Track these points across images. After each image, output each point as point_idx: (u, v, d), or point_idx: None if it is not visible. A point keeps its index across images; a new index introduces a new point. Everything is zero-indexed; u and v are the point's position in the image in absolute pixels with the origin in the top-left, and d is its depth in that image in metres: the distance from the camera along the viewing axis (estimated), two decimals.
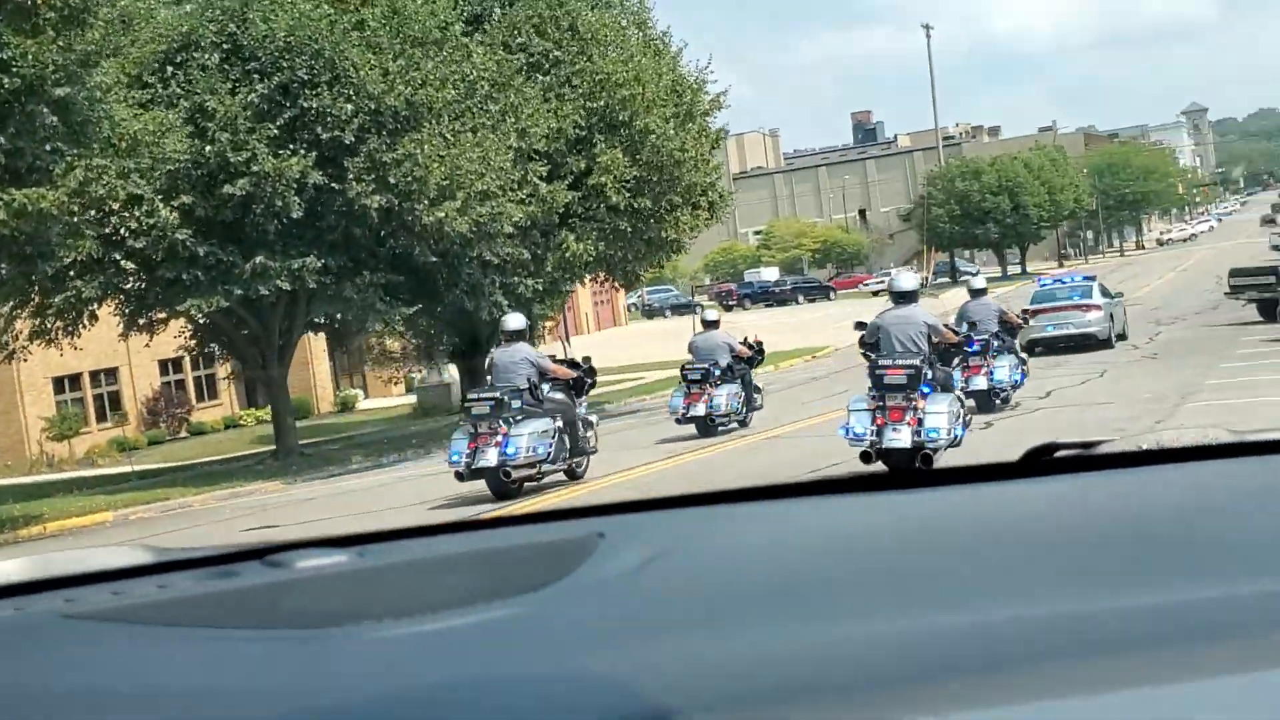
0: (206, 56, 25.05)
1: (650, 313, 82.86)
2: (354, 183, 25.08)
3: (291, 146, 24.67)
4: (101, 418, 40.17)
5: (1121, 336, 31.85)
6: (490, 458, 15.94)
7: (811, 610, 1.15)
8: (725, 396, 21.32)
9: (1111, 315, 31.64)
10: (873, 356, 14.40)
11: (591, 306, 72.73)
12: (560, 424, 16.61)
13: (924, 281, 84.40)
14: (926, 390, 13.78)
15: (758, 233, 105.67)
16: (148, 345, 31.23)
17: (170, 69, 25.25)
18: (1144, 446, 1.66)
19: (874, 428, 13.69)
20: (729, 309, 76.41)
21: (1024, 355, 21.64)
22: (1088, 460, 1.65)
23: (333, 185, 25.07)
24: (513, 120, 27.67)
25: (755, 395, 22.51)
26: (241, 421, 43.24)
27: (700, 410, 21.17)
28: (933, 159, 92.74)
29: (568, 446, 16.81)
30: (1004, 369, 19.64)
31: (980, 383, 18.05)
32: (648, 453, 20.49)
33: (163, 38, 25.26)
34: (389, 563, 1.46)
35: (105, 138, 21.31)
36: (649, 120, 29.92)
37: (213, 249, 24.88)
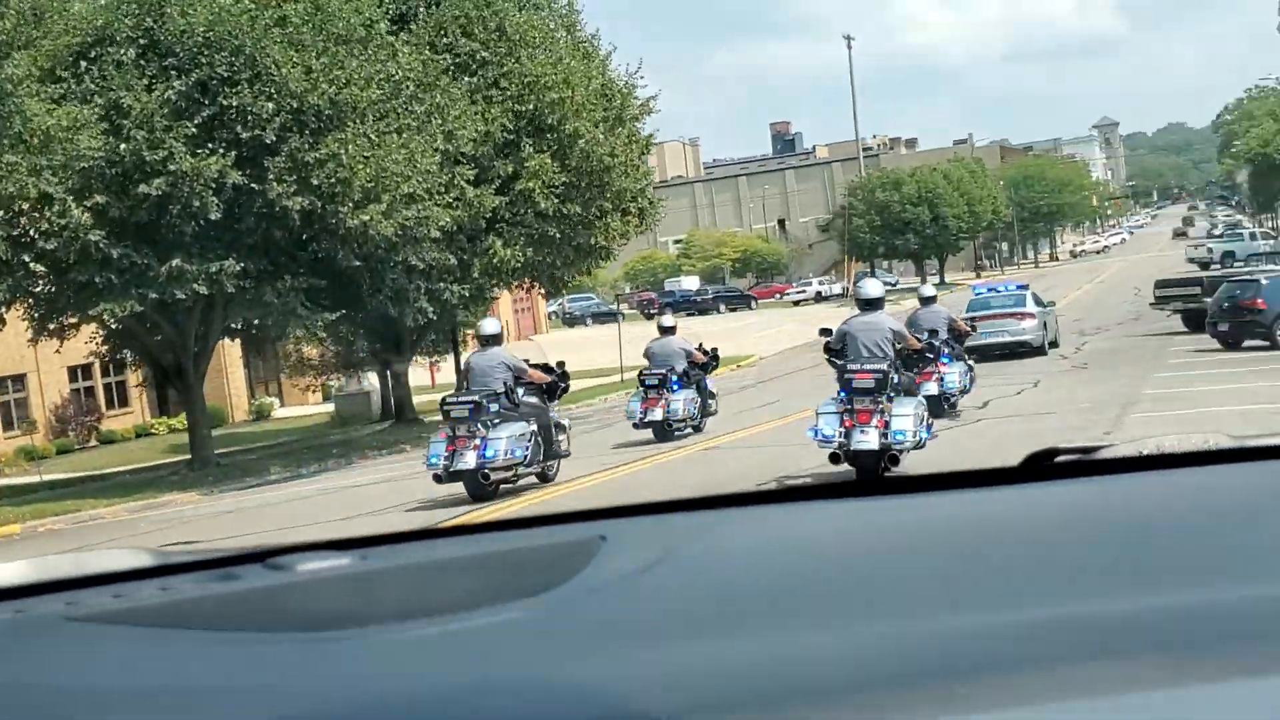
0: (122, 51, 24.19)
1: (571, 321, 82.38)
2: (275, 183, 24.36)
3: (210, 145, 23.94)
4: (8, 425, 39.17)
5: (1054, 344, 32.62)
6: (469, 460, 16.18)
7: (815, 613, 1.16)
8: (682, 402, 21.55)
9: (1045, 323, 32.37)
10: (838, 362, 14.70)
11: (512, 314, 72.05)
12: (535, 427, 16.89)
13: (844, 291, 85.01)
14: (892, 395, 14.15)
15: (678, 242, 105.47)
16: (58, 351, 30.22)
17: (84, 63, 24.33)
18: (1145, 452, 1.66)
19: (842, 430, 14.02)
20: (649, 317, 76.16)
21: (972, 362, 21.90)
22: (1088, 465, 1.67)
23: (253, 186, 24.34)
24: (439, 122, 27.07)
25: (710, 400, 22.78)
26: (153, 430, 42.24)
27: (658, 415, 21.38)
28: (851, 170, 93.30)
29: (542, 450, 17.13)
30: (954, 375, 19.99)
31: (931, 388, 18.13)
32: (613, 456, 20.38)
33: (77, 30, 24.39)
34: (391, 566, 1.46)
35: (16, 133, 20.51)
36: (578, 124, 29.46)
37: (127, 251, 24.02)
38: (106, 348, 29.85)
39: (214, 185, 23.68)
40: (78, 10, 24.51)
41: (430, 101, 27.19)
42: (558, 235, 30.34)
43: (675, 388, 21.58)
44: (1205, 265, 65.24)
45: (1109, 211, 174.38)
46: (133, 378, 39.39)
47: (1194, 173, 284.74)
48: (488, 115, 28.59)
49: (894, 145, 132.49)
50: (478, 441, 16.20)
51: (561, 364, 18.60)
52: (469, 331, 40.43)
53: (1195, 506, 1.45)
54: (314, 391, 45.30)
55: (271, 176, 24.38)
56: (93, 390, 42.42)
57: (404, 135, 25.84)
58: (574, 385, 22.25)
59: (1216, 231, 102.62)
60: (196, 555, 1.52)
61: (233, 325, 29.22)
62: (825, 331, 15.56)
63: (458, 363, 29.87)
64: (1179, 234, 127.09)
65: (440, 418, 17.25)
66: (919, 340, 16.53)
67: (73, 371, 40.66)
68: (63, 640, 1.23)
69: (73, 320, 26.81)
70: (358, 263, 26.42)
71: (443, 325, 33.06)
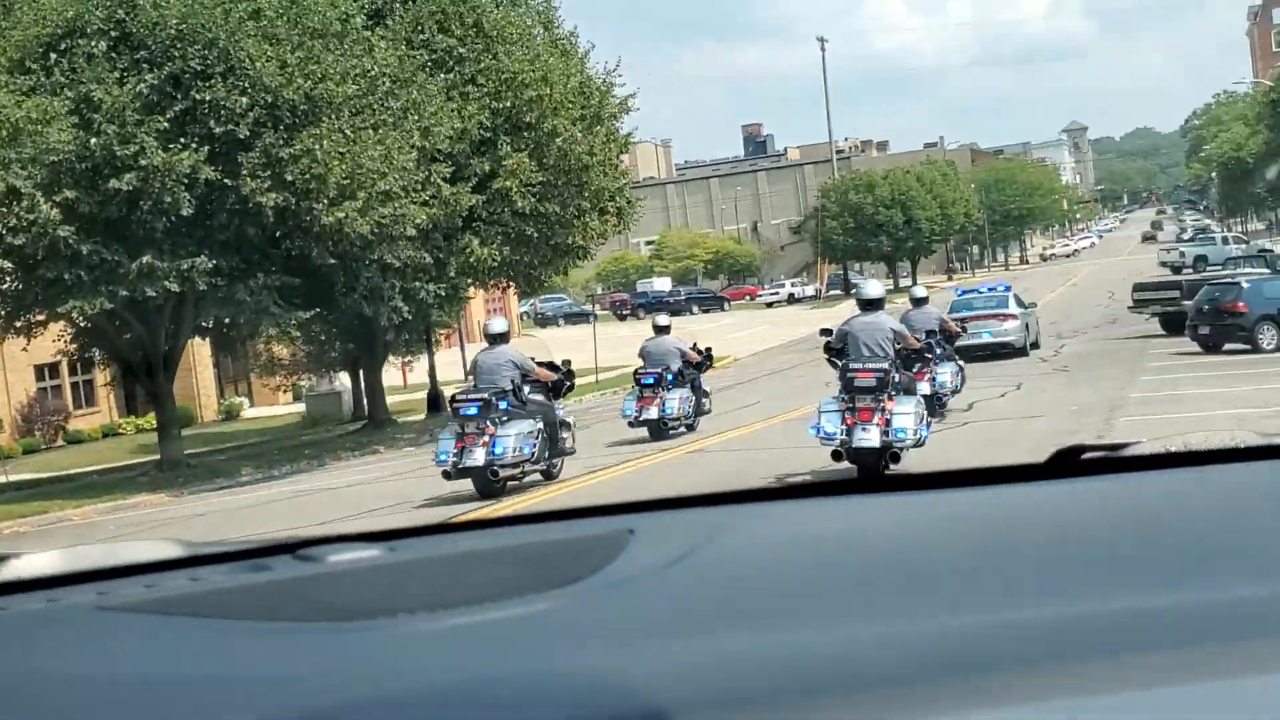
0: (93, 44, 23.71)
1: (543, 321, 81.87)
2: (248, 179, 23.95)
3: (182, 140, 23.51)
4: None
5: (1035, 345, 32.75)
6: (478, 457, 16.37)
7: (843, 609, 1.16)
8: (677, 401, 21.73)
9: (1027, 325, 32.46)
10: (839, 361, 14.94)
11: (485, 314, 71.62)
12: (542, 425, 17.05)
13: (817, 293, 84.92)
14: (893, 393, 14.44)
15: (650, 243, 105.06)
16: (25, 349, 29.67)
17: (54, 55, 23.84)
18: (1171, 449, 1.64)
19: (844, 427, 14.25)
20: (623, 319, 75.82)
21: (962, 363, 21.90)
22: (1115, 462, 1.65)
23: (225, 182, 23.92)
24: (416, 118, 26.68)
25: (704, 399, 22.95)
26: (121, 430, 41.66)
27: (653, 414, 21.51)
28: (823, 172, 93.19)
29: (549, 447, 17.30)
30: (946, 375, 20.18)
31: (924, 388, 18.04)
32: (609, 455, 20.26)
33: (46, 22, 23.88)
34: (420, 558, 1.46)
35: None
36: (556, 122, 29.12)
37: (96, 247, 23.54)
38: (75, 346, 29.36)
39: (186, 181, 23.25)
40: (47, 1, 24.00)
41: (406, 98, 26.80)
42: (535, 234, 30.01)
43: (670, 386, 21.74)
44: (1178, 269, 65.39)
45: (1078, 215, 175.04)
46: (100, 377, 38.79)
47: (1162, 177, 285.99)
48: (464, 112, 28.22)
49: (865, 148, 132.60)
50: (486, 439, 16.39)
51: (567, 362, 18.79)
52: (442, 331, 40.11)
53: (1226, 503, 1.43)
54: (284, 391, 44.78)
55: (245, 172, 23.97)
56: (60, 389, 41.81)
57: (380, 131, 25.46)
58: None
59: (1186, 236, 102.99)
60: (227, 546, 1.53)
61: (204, 324, 28.74)
62: (826, 331, 15.92)
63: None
64: (1148, 238, 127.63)
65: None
66: (918, 341, 16.88)
67: (40, 370, 40.07)
68: (94, 630, 1.23)
69: (40, 318, 26.32)
70: (332, 261, 26.05)
71: (417, 325, 32.64)
